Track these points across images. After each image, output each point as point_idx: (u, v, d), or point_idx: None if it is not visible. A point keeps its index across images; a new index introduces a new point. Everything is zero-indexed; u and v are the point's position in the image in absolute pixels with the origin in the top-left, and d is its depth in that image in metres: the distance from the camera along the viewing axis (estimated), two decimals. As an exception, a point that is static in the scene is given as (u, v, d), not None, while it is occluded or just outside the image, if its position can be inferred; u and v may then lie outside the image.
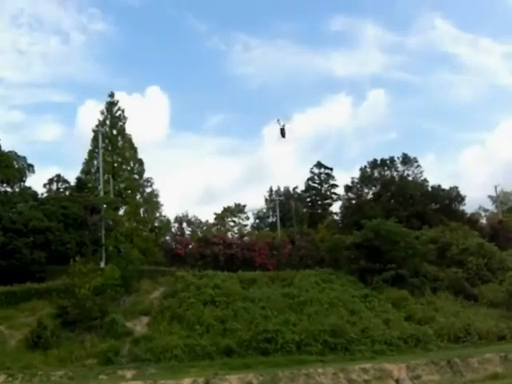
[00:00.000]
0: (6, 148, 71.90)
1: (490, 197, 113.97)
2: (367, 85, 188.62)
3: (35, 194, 70.49)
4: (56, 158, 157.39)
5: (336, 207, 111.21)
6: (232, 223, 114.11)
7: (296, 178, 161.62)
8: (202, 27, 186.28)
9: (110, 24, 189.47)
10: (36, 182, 73.47)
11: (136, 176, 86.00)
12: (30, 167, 72.84)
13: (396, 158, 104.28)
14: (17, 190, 70.88)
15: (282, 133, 63.09)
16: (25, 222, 61.50)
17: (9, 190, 70.53)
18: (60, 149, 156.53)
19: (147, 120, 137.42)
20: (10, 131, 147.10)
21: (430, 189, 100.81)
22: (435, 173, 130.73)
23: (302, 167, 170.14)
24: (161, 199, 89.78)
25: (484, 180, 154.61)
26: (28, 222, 61.55)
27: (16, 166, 71.26)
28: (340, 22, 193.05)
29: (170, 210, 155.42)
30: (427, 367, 43.34)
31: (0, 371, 41.75)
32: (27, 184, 72.34)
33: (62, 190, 74.74)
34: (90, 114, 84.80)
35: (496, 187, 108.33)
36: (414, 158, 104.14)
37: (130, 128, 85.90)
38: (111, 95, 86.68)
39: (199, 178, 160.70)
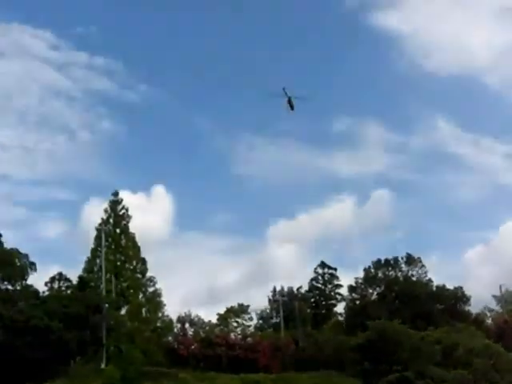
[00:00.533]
0: (8, 245, 72.12)
1: (495, 296, 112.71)
2: (371, 184, 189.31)
3: (37, 292, 70.12)
4: (59, 256, 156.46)
5: (340, 307, 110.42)
6: (235, 323, 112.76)
7: (300, 278, 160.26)
8: (207, 126, 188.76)
9: (116, 123, 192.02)
10: (38, 280, 73.26)
11: (139, 275, 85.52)
12: (32, 265, 72.71)
13: (400, 258, 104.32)
14: (18, 287, 70.56)
15: (290, 104, 61.09)
16: (25, 321, 60.87)
17: (10, 287, 70.22)
18: (63, 246, 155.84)
19: (151, 219, 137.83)
20: (14, 228, 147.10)
21: (434, 289, 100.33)
22: (439, 272, 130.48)
23: (305, 267, 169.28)
24: (164, 299, 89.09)
25: (488, 279, 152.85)
26: (29, 320, 60.92)
27: (18, 264, 71.19)
28: (343, 122, 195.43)
29: (172, 309, 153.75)
30: None
31: None
32: (29, 282, 72.10)
33: (63, 288, 74.37)
34: (94, 212, 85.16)
35: (501, 286, 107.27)
36: (418, 258, 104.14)
37: (133, 227, 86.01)
38: (115, 194, 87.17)
39: (202, 278, 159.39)
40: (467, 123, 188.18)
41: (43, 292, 71.61)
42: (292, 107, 61.54)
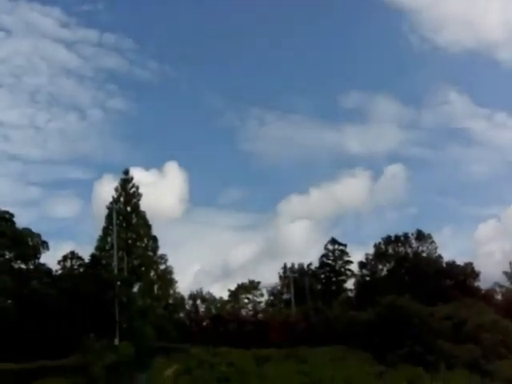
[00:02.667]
0: (21, 224, 72.63)
1: (506, 273, 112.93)
2: (383, 160, 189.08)
3: (49, 270, 70.70)
4: (71, 235, 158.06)
5: (350, 284, 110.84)
6: (246, 300, 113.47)
7: (310, 255, 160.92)
8: (218, 103, 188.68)
9: (127, 100, 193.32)
10: (50, 259, 73.82)
11: (150, 253, 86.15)
12: (45, 244, 73.15)
13: (410, 235, 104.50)
14: (31, 266, 71.14)
15: None
16: (39, 299, 61.61)
17: (23, 266, 70.83)
18: (75, 225, 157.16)
19: (164, 195, 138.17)
20: (27, 207, 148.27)
21: (444, 265, 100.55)
22: (451, 248, 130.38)
23: (316, 243, 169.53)
24: (175, 276, 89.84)
25: (499, 256, 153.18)
26: (42, 298, 61.65)
27: (30, 243, 71.69)
28: (355, 97, 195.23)
29: (184, 286, 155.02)
30: None
31: None
32: (41, 261, 72.64)
33: (76, 266, 74.90)
34: (106, 191, 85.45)
35: (511, 263, 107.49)
36: (429, 235, 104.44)
37: (145, 204, 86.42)
38: (126, 172, 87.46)
39: (214, 254, 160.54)
40: (480, 98, 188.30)
41: (56, 271, 72.25)
42: None
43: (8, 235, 68.21)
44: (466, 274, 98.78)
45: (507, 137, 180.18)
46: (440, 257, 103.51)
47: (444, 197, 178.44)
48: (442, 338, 65.41)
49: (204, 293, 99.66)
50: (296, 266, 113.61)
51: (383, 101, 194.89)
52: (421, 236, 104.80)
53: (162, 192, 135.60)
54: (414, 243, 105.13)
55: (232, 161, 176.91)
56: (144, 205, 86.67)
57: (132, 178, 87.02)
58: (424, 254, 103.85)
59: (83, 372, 49.39)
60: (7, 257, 69.54)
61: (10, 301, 62.18)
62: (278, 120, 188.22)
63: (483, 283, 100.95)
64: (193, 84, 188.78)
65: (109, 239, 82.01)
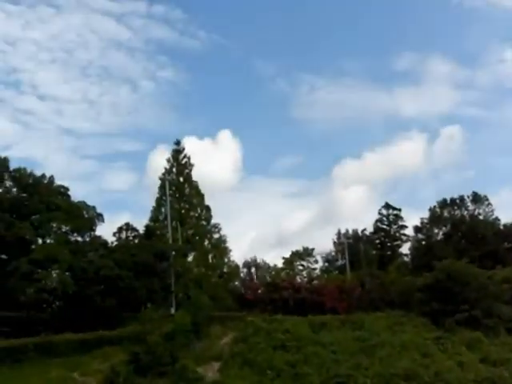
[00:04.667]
0: (76, 198, 73.53)
1: None
2: (439, 122, 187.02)
3: (105, 242, 71.45)
4: (125, 206, 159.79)
5: (406, 248, 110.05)
6: (301, 267, 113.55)
7: (365, 220, 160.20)
8: (268, 70, 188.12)
9: (178, 71, 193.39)
10: (106, 231, 74.55)
11: (204, 222, 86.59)
12: (100, 216, 73.96)
13: (466, 197, 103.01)
14: (87, 239, 72.05)
15: None
16: (96, 271, 62.39)
17: (79, 239, 71.79)
18: (129, 197, 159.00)
19: (218, 164, 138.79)
20: (81, 180, 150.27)
21: (502, 227, 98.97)
22: (509, 210, 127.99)
23: (370, 208, 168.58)
24: (229, 244, 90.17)
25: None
26: (99, 270, 62.41)
27: (86, 216, 72.56)
28: (408, 58, 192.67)
29: (239, 255, 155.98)
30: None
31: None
32: (97, 233, 73.52)
33: (131, 238, 75.47)
34: (160, 162, 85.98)
35: None
36: (485, 197, 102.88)
37: (198, 174, 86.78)
38: (177, 143, 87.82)
39: (268, 222, 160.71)
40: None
41: (111, 242, 72.84)
42: None
43: (64, 208, 69.11)
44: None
45: None
46: (497, 219, 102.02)
47: (501, 158, 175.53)
48: (500, 301, 64.52)
49: (258, 261, 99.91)
50: (350, 232, 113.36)
51: (436, 61, 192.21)
52: (477, 198, 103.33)
53: (216, 161, 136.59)
54: (471, 206, 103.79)
55: (284, 127, 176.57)
56: (197, 175, 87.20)
57: (184, 149, 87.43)
58: (481, 217, 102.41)
59: (141, 341, 49.86)
60: (63, 230, 70.51)
61: (67, 273, 63.11)
62: (330, 85, 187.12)
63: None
64: (242, 52, 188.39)
65: (162, 210, 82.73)
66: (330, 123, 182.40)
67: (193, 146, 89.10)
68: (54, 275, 63.31)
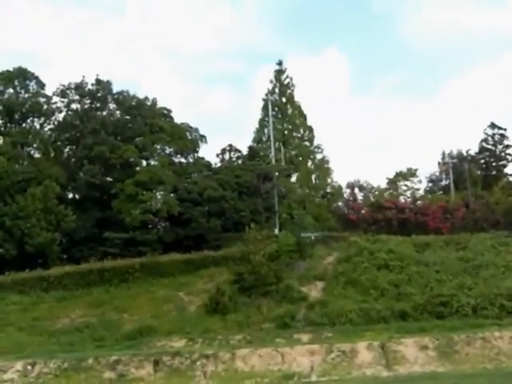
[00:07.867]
0: (179, 120, 74.10)
1: None
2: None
3: (209, 164, 72.12)
4: (228, 128, 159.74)
5: (511, 168, 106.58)
6: (404, 187, 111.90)
7: (470, 140, 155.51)
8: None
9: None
10: (209, 153, 75.08)
11: (306, 143, 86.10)
12: (203, 138, 74.56)
13: None
14: (191, 160, 72.84)
15: None
16: (200, 192, 63.17)
17: (183, 160, 72.66)
18: (232, 118, 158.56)
19: (324, 82, 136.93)
20: (183, 103, 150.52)
21: None
22: None
23: (476, 128, 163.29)
24: (331, 165, 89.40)
25: None
26: (203, 191, 63.16)
27: (189, 138, 73.16)
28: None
29: (341, 175, 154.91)
30: None
31: (181, 336, 43.06)
32: (200, 154, 74.22)
33: (234, 159, 75.88)
34: (263, 82, 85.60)
35: None
36: None
37: (301, 94, 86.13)
38: (279, 63, 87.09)
39: (372, 142, 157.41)
40: None
41: (215, 164, 73.53)
42: None
43: (167, 131, 69.92)
44: None
45: None
46: None
47: None
48: None
49: (361, 181, 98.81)
50: (455, 152, 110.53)
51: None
52: None
53: (321, 77, 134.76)
54: None
55: (390, 45, 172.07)
56: (298, 95, 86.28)
57: (286, 69, 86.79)
58: None
59: (245, 261, 50.28)
60: (167, 151, 71.56)
61: (172, 194, 64.09)
62: (436, 1, 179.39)
63: None
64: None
65: (265, 131, 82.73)
66: (437, 41, 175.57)
67: (297, 64, 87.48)
68: (159, 196, 64.67)
